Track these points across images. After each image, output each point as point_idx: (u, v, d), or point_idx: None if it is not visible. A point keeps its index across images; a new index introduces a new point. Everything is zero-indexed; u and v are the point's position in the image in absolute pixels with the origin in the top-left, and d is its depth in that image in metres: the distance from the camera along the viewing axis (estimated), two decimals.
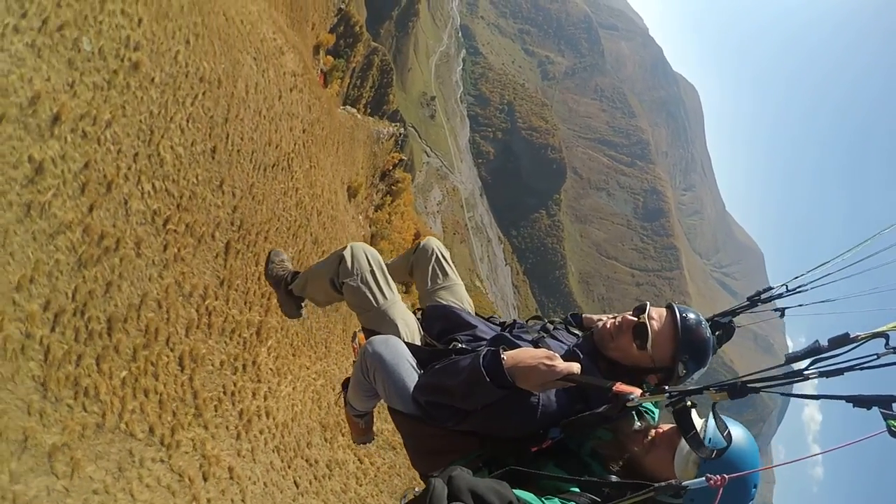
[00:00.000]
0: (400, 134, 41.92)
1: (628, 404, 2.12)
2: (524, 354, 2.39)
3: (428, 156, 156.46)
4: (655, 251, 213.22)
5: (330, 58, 45.44)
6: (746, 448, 2.22)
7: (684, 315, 2.65)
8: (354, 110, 37.29)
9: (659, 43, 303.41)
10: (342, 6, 48.80)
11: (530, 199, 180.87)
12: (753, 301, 3.38)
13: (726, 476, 1.69)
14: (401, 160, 43.93)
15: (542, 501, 1.99)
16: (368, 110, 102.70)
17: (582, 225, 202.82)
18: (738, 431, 2.21)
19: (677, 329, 2.61)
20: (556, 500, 2.06)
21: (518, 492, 1.89)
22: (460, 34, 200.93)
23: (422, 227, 65.20)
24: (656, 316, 2.70)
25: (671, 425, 2.35)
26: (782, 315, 3.45)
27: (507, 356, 2.38)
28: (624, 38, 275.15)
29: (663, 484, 1.86)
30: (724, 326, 3.29)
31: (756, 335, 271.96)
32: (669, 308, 2.75)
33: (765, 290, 3.37)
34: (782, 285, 3.37)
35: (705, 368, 2.71)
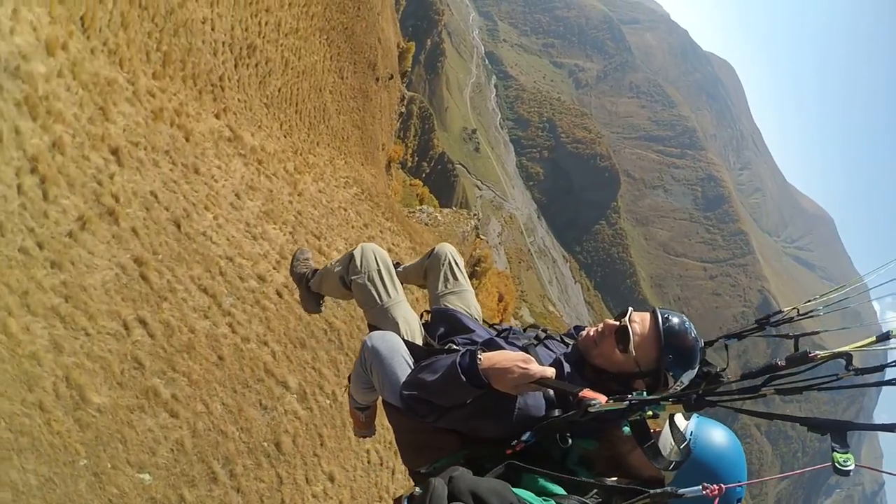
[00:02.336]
0: (478, 220, 45.15)
1: (590, 409, 2.10)
2: (500, 356, 2.38)
3: (480, 189, 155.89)
4: (724, 239, 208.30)
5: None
6: (728, 450, 2.26)
7: (666, 317, 2.57)
8: (430, 210, 40.44)
9: (683, 26, 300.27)
10: (402, 110, 49.63)
11: (588, 211, 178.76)
12: (762, 324, 3.04)
13: (724, 486, 1.72)
14: (479, 238, 47.71)
15: (542, 502, 1.94)
16: (416, 159, 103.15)
17: (644, 227, 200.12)
18: (719, 434, 2.27)
19: (659, 331, 2.51)
20: (553, 501, 2.01)
21: (518, 491, 1.87)
22: (487, 62, 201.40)
23: (503, 288, 65.99)
24: (638, 319, 2.61)
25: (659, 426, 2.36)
26: (797, 344, 2.83)
27: (484, 357, 2.39)
28: (647, 28, 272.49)
29: (658, 491, 1.84)
30: (711, 375, 2.78)
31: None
32: (652, 312, 2.64)
33: (775, 314, 3.04)
34: (793, 308, 2.98)
35: (694, 372, 2.57)
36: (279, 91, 16.90)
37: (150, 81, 10.35)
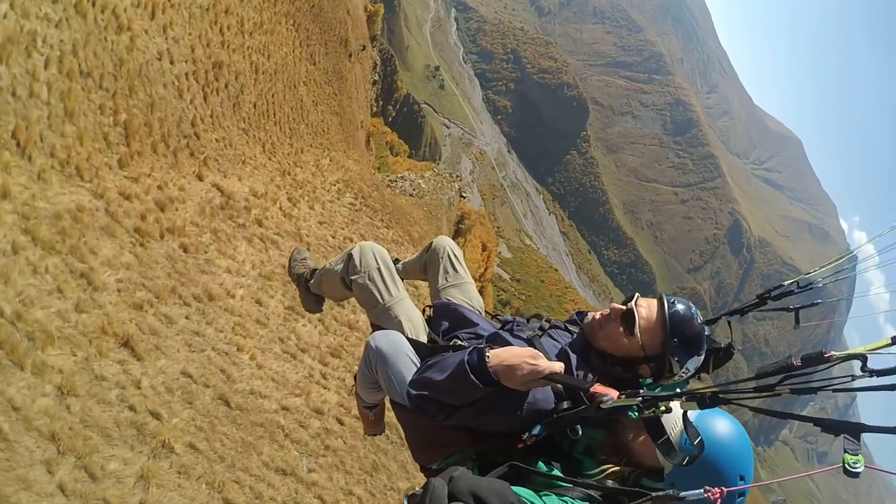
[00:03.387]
0: (460, 181, 42.38)
1: (602, 405, 2.10)
2: (508, 353, 2.37)
3: (448, 127, 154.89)
4: (693, 163, 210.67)
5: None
6: (731, 443, 2.25)
7: (672, 302, 2.58)
8: (412, 177, 39.79)
9: None
10: (375, 77, 48.22)
11: (558, 142, 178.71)
12: (763, 299, 3.02)
13: (724, 489, 1.72)
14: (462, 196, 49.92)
15: (542, 499, 1.92)
16: (381, 103, 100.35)
17: (615, 155, 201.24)
18: (724, 425, 2.26)
19: (665, 315, 2.52)
20: (553, 495, 1.99)
21: (518, 490, 1.84)
22: None
23: (485, 236, 66.34)
24: (644, 304, 2.62)
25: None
26: (797, 319, 2.98)
27: (492, 354, 2.37)
28: None
29: (661, 494, 1.87)
30: (722, 350, 2.79)
31: (809, 225, 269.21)
32: (658, 298, 2.65)
33: (775, 288, 3.04)
34: (793, 282, 3.02)
35: (700, 358, 2.56)
36: (254, 106, 14.72)
37: (118, 178, 8.37)
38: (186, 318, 7.77)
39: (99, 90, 8.35)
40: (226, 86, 13.14)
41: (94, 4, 8.85)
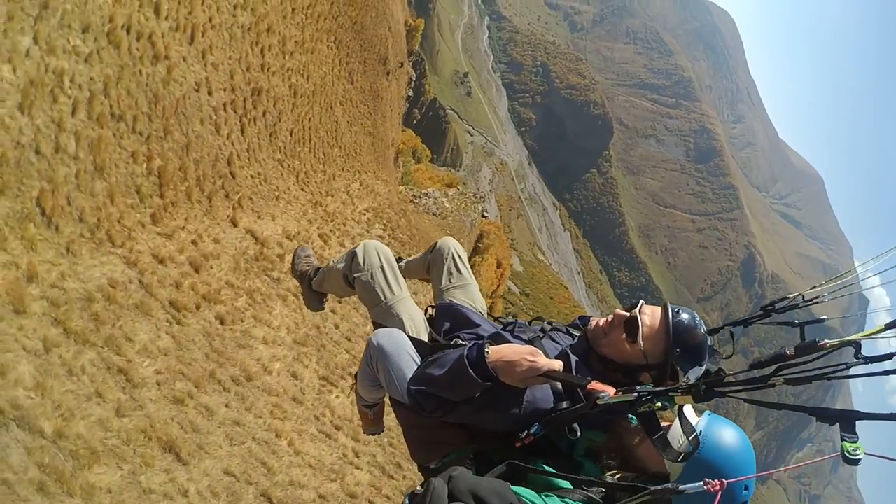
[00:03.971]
0: (483, 202, 41.32)
1: (599, 402, 2.12)
2: (508, 350, 2.41)
3: (471, 135, 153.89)
4: (713, 193, 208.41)
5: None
6: (736, 450, 2.18)
7: (676, 311, 2.59)
8: (437, 195, 39.26)
9: None
10: (409, 93, 48.00)
11: (580, 159, 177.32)
12: (767, 311, 2.94)
13: (725, 481, 1.71)
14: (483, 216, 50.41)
15: (543, 499, 1.95)
16: (407, 106, 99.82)
17: (635, 177, 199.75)
18: (729, 433, 2.21)
19: (668, 324, 2.53)
20: (555, 496, 2.01)
21: (518, 489, 1.86)
22: (480, 1, 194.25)
23: (500, 253, 65.95)
24: (648, 312, 2.63)
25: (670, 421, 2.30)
26: (803, 332, 2.77)
27: (492, 350, 2.41)
28: None
29: (659, 487, 1.85)
30: (712, 375, 2.56)
31: (823, 265, 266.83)
32: (663, 306, 2.67)
33: (780, 301, 2.93)
34: (798, 295, 2.91)
35: (702, 368, 2.54)
36: (291, 133, 13.89)
37: (152, 236, 7.71)
38: (226, 406, 7.48)
39: (132, 134, 7.48)
40: (264, 114, 12.28)
41: (128, 31, 7.88)
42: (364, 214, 18.20)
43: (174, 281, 7.70)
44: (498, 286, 72.20)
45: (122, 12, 7.77)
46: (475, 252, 49.51)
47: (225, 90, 10.65)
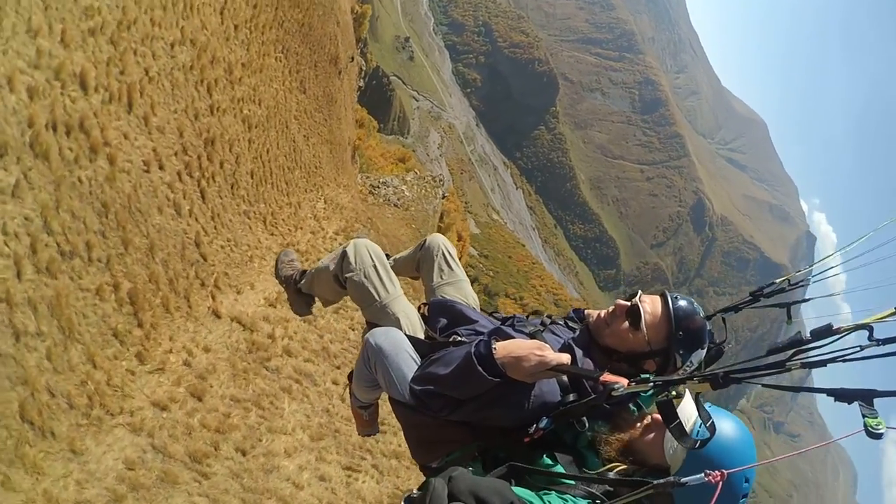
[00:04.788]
0: (441, 184, 43.33)
1: (613, 393, 2.13)
2: (515, 345, 2.40)
3: (417, 100, 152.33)
4: (660, 142, 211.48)
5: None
6: (735, 441, 2.21)
7: (675, 297, 2.64)
8: (396, 182, 38.91)
9: None
10: (361, 84, 46.12)
11: (527, 117, 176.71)
12: (756, 296, 3.16)
13: (725, 472, 1.71)
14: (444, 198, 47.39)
15: (542, 498, 1.93)
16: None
17: (583, 131, 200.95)
18: (728, 424, 2.24)
19: (669, 310, 2.57)
20: (553, 493, 2.01)
21: (518, 490, 1.85)
22: None
23: (459, 225, 66.05)
24: (648, 300, 2.68)
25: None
26: (789, 315, 3.06)
27: (499, 346, 2.39)
28: None
29: (661, 481, 1.83)
30: (714, 348, 2.85)
31: (771, 206, 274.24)
32: (661, 294, 2.71)
33: (768, 286, 3.17)
34: (784, 279, 3.16)
35: (703, 352, 2.61)
36: (251, 175, 12.68)
37: (145, 382, 6.93)
38: None
39: (90, 267, 6.38)
40: (221, 165, 11.05)
41: (55, 129, 6.46)
42: (335, 239, 17.42)
43: (184, 426, 7.05)
44: (460, 257, 72.86)
45: (43, 105, 6.41)
46: (437, 230, 49.45)
47: (176, 154, 9.40)
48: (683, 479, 1.74)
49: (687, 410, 2.06)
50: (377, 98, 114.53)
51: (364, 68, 40.32)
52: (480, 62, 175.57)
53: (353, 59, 27.90)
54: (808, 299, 3.19)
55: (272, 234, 13.10)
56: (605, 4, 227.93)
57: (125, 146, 7.94)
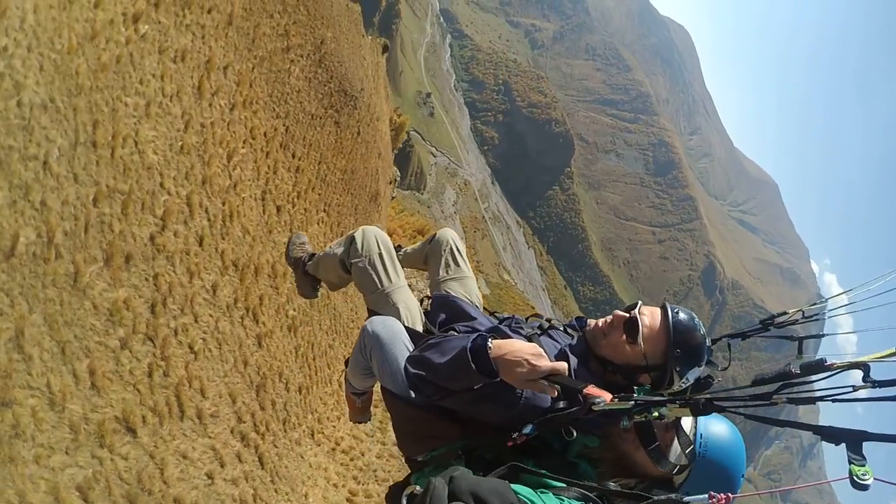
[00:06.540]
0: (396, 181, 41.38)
1: (594, 408, 2.10)
2: (511, 347, 2.35)
3: (434, 156, 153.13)
4: (672, 204, 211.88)
5: None
6: (734, 451, 2.24)
7: (675, 312, 2.59)
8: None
9: None
10: (394, 194, 46.17)
11: (542, 176, 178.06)
12: (766, 325, 3.04)
13: (731, 495, 1.68)
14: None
15: (540, 497, 1.90)
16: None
17: (596, 192, 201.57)
18: (722, 440, 2.25)
19: (668, 325, 2.54)
20: (550, 494, 1.96)
21: (518, 488, 1.84)
22: (442, 20, 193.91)
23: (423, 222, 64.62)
24: (647, 312, 2.64)
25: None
26: (800, 347, 2.87)
27: (495, 345, 2.37)
28: None
29: (663, 497, 1.83)
30: (701, 380, 2.68)
31: (781, 269, 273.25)
32: (662, 306, 2.67)
33: (779, 315, 3.05)
34: (798, 310, 3.04)
35: (700, 369, 2.56)
36: (299, 391, 12.51)
37: None
38: None
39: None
40: (273, 405, 10.91)
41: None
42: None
43: None
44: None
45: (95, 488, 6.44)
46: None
47: (232, 431, 9.18)
48: (687, 499, 1.72)
49: (686, 426, 2.10)
50: (396, 154, 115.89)
51: (398, 178, 40.54)
52: (499, 120, 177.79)
53: (391, 182, 28.08)
54: (823, 335, 3.08)
55: (319, 445, 12.87)
56: (621, 66, 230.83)
57: (188, 471, 7.67)
